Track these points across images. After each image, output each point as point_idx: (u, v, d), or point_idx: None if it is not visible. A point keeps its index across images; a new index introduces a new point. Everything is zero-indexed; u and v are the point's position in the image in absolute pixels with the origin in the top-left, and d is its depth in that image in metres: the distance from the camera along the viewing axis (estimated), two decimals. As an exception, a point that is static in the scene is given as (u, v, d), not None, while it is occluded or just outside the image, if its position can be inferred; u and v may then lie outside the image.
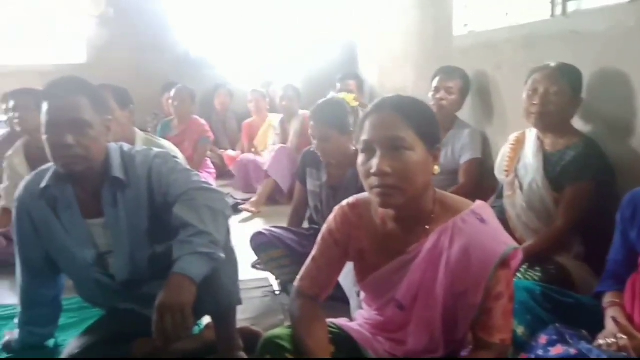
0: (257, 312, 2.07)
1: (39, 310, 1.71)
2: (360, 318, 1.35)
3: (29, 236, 1.59)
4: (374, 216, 1.26)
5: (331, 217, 1.32)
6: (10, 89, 3.24)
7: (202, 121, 4.30)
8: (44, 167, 1.59)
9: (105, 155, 1.54)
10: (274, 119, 4.52)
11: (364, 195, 1.27)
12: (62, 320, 1.83)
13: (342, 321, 1.35)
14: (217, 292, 1.46)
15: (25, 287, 1.66)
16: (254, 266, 2.38)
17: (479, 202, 1.21)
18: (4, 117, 3.28)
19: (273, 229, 2.32)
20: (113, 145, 1.59)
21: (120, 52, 5.07)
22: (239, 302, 1.59)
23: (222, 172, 4.65)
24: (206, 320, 1.81)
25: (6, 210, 2.76)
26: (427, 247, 1.16)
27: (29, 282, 1.65)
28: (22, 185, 1.60)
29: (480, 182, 2.66)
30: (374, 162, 1.11)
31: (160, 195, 1.53)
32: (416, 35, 3.76)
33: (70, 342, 1.63)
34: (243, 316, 1.70)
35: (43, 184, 1.53)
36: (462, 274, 1.12)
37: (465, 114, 2.88)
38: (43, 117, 1.46)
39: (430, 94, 2.75)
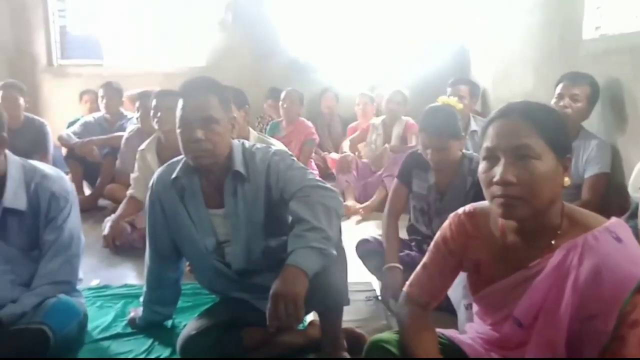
0: (360, 315, 2.07)
1: (162, 291, 1.85)
2: (472, 331, 1.29)
3: (160, 222, 1.72)
4: (492, 227, 1.20)
5: (446, 224, 1.27)
6: (139, 89, 3.55)
7: (309, 123, 4.42)
8: (175, 159, 1.72)
9: (229, 151, 1.63)
10: (375, 121, 4.50)
11: (482, 203, 1.21)
12: (179, 303, 1.96)
13: (451, 333, 1.30)
14: (327, 290, 1.49)
15: (153, 269, 1.81)
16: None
17: (614, 219, 1.11)
18: (136, 114, 3.61)
19: (378, 237, 2.30)
20: (235, 142, 1.68)
21: (235, 56, 5.38)
22: (347, 302, 1.60)
23: (325, 174, 4.73)
24: (309, 318, 1.86)
25: (133, 199, 2.92)
26: (552, 263, 1.08)
27: (156, 265, 1.80)
28: (155, 176, 1.74)
29: (607, 199, 2.44)
30: (497, 171, 1.06)
31: (277, 191, 1.59)
32: (538, 39, 3.54)
33: (188, 324, 1.75)
34: (346, 318, 1.70)
35: (174, 175, 1.66)
36: (592, 296, 1.03)
37: (592, 123, 2.65)
38: (178, 113, 1.58)
39: (553, 101, 2.56)
